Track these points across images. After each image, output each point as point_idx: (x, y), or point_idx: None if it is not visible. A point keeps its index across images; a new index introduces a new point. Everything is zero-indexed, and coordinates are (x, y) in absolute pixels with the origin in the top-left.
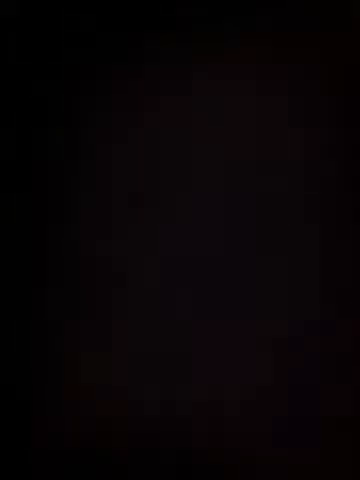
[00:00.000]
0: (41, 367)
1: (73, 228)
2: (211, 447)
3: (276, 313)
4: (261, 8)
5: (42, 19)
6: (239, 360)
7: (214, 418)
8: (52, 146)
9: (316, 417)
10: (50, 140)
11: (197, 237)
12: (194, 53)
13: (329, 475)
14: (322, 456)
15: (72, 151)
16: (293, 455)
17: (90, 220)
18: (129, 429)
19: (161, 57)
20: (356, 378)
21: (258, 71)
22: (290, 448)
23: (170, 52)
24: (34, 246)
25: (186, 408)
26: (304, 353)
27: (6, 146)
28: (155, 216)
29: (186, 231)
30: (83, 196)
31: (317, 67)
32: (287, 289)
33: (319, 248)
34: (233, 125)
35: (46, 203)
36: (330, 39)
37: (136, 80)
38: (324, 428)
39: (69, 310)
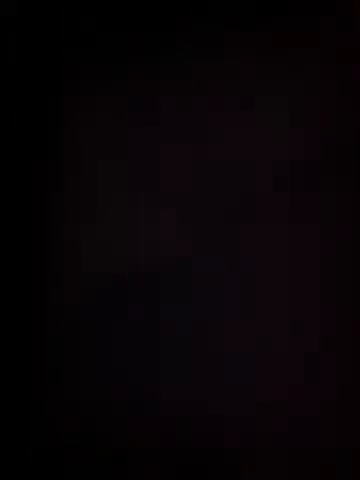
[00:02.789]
0: (41, 367)
1: (73, 229)
2: (211, 447)
3: (276, 313)
4: (261, 8)
5: (42, 19)
6: (238, 360)
7: (214, 418)
8: (52, 146)
9: (316, 417)
10: (50, 140)
11: (198, 237)
12: (194, 53)
13: (329, 475)
14: (322, 456)
15: (72, 151)
16: (293, 455)
17: (90, 219)
18: (129, 429)
19: (161, 57)
20: (356, 378)
21: (258, 71)
22: (290, 448)
23: (170, 52)
24: (34, 250)
25: (186, 408)
26: (304, 353)
27: (6, 146)
28: (158, 216)
29: (187, 231)
30: (83, 196)
31: (317, 67)
32: (287, 289)
33: (319, 248)
34: (232, 124)
35: (46, 203)
36: (330, 39)
37: (136, 80)
38: (324, 428)
39: (68, 311)
